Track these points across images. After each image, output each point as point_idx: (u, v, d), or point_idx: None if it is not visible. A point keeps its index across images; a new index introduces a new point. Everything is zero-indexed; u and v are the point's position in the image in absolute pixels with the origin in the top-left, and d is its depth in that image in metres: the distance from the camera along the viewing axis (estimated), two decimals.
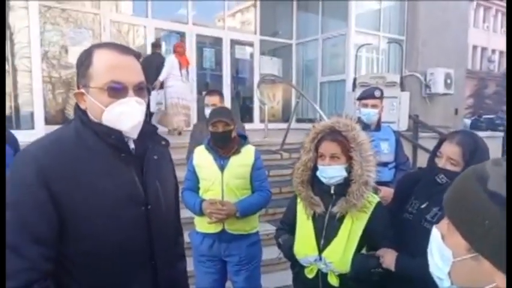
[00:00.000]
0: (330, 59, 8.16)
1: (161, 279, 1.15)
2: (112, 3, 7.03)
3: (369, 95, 2.77)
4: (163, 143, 1.22)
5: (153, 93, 5.95)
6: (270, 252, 3.50)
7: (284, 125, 6.26)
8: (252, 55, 8.58)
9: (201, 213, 2.22)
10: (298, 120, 7.71)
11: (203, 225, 2.28)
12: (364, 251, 1.63)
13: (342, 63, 7.75)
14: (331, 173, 1.59)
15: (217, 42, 8.07)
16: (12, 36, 4.90)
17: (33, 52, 4.82)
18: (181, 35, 7.57)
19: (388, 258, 1.53)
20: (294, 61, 8.89)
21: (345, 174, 1.60)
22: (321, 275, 1.63)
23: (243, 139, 2.41)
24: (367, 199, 1.58)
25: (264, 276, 2.66)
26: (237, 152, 2.31)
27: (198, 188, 2.35)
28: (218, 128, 2.22)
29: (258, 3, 8.40)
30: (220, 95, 3.26)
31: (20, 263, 0.90)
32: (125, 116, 1.03)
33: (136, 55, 1.10)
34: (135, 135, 1.09)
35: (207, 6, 8.03)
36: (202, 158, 2.33)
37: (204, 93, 3.44)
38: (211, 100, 3.11)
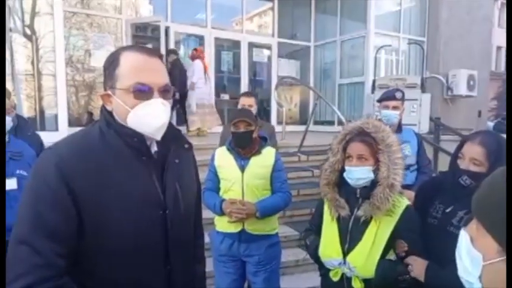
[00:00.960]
0: (349, 61, 8.10)
1: (174, 284, 1.14)
2: (133, 8, 7.19)
3: (389, 96, 2.73)
4: (186, 146, 1.21)
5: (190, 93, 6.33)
6: (288, 255, 3.51)
7: (301, 127, 6.25)
8: (269, 58, 8.60)
9: (221, 212, 2.24)
10: (316, 123, 7.68)
11: (223, 225, 2.30)
12: (392, 256, 1.58)
13: (360, 65, 7.68)
14: (358, 174, 1.56)
15: (235, 45, 8.13)
16: (37, 41, 5.08)
17: (58, 56, 4.98)
18: (200, 38, 7.66)
19: (418, 267, 1.47)
20: (311, 63, 8.87)
21: (372, 176, 1.57)
22: (346, 279, 1.60)
23: (264, 140, 2.42)
24: (393, 203, 1.53)
25: (282, 278, 2.65)
26: (258, 152, 2.32)
27: (219, 189, 2.37)
28: (240, 128, 2.24)
29: (276, 6, 8.42)
30: (255, 96, 3.29)
31: (35, 259, 0.89)
32: (150, 118, 1.03)
33: (161, 57, 1.11)
34: (159, 137, 1.08)
35: (225, 9, 8.11)
36: (223, 159, 2.35)
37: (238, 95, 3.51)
38: (247, 101, 3.15)
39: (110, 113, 1.08)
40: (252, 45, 8.30)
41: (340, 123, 7.15)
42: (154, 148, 1.11)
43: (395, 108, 2.69)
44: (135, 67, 1.03)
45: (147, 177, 1.07)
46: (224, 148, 2.40)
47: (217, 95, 7.85)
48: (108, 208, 0.98)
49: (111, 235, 0.99)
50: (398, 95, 2.71)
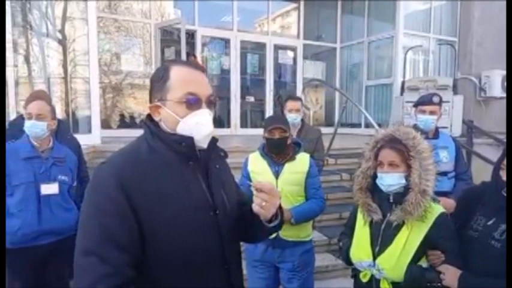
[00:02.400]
0: (376, 62, 7.97)
1: (235, 281, 1.19)
2: (160, 12, 7.32)
3: (426, 101, 2.65)
4: (221, 154, 1.27)
5: None
6: (317, 260, 3.46)
7: (327, 130, 6.17)
8: (294, 59, 8.57)
9: None
10: (342, 125, 7.57)
11: None
12: (424, 264, 1.59)
13: (388, 67, 7.53)
14: (389, 180, 1.60)
15: (260, 47, 8.15)
16: (68, 45, 5.24)
17: (91, 60, 5.10)
18: (226, 41, 7.72)
19: (450, 275, 1.47)
20: (337, 65, 8.78)
21: (403, 182, 1.60)
22: (375, 281, 1.64)
23: (298, 146, 2.41)
24: (425, 208, 1.55)
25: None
26: (292, 158, 2.30)
27: (252, 194, 2.37)
28: (275, 135, 2.24)
29: (302, 7, 8.38)
30: (301, 100, 3.29)
31: (105, 268, 0.93)
32: (200, 126, 1.10)
33: (205, 70, 1.19)
34: (205, 145, 1.14)
35: (250, 12, 8.16)
36: (257, 164, 2.35)
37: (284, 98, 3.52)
38: (294, 106, 3.15)
39: (155, 123, 1.14)
40: (277, 47, 8.29)
41: (368, 125, 7.05)
42: (197, 152, 1.15)
43: (432, 113, 2.61)
44: (185, 79, 1.10)
45: (195, 181, 1.12)
46: (257, 153, 2.40)
47: (242, 97, 7.89)
48: (165, 215, 1.02)
49: (170, 241, 1.03)
50: (435, 99, 2.63)
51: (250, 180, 2.37)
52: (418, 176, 1.55)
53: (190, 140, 1.10)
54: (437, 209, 1.61)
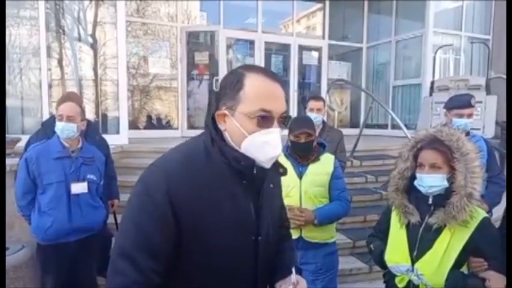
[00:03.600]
0: (404, 62, 7.77)
1: None
2: (186, 15, 7.44)
3: (465, 104, 2.50)
4: (281, 170, 1.16)
5: None
6: (341, 263, 3.39)
7: (352, 131, 6.08)
8: (319, 60, 8.48)
9: None
10: (367, 126, 7.42)
11: None
12: (466, 270, 1.53)
13: (417, 66, 7.33)
14: (430, 182, 1.54)
15: (285, 48, 8.12)
16: (98, 49, 5.42)
17: (120, 63, 5.26)
18: (251, 42, 7.75)
19: (496, 283, 1.40)
20: (363, 65, 8.63)
21: (445, 184, 1.54)
22: (412, 286, 1.59)
23: (322, 147, 2.38)
24: (470, 213, 1.49)
25: None
26: (316, 159, 2.28)
27: None
28: (301, 139, 2.21)
29: (327, 7, 8.29)
30: (323, 100, 3.26)
31: (136, 275, 0.92)
32: (268, 147, 1.01)
33: (283, 83, 1.08)
34: (268, 166, 1.06)
35: (275, 13, 8.14)
36: None
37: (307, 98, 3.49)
38: (316, 105, 3.12)
39: (219, 132, 1.06)
40: (301, 48, 8.23)
41: (394, 127, 6.88)
42: (254, 172, 1.07)
43: (470, 116, 2.49)
44: (261, 93, 1.00)
45: (245, 201, 1.06)
46: (281, 154, 2.38)
47: None
48: (207, 229, 0.98)
49: (207, 256, 1.00)
50: (473, 101, 2.50)
51: None
52: (463, 179, 1.50)
53: (251, 161, 1.03)
54: (481, 214, 1.55)
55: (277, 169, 1.14)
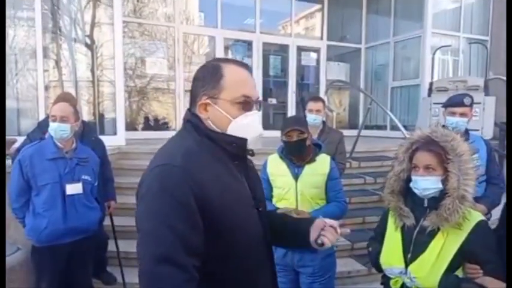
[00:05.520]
0: (403, 63, 7.77)
1: (276, 276, 1.23)
2: (183, 16, 7.42)
3: (457, 102, 2.52)
4: (250, 152, 1.24)
5: None
6: (339, 265, 3.37)
7: (350, 132, 6.05)
8: (318, 61, 8.48)
9: None
10: (366, 127, 7.41)
11: None
12: (460, 274, 1.50)
13: (415, 67, 7.33)
14: (425, 184, 1.52)
15: (283, 49, 8.11)
16: (96, 49, 5.40)
17: (117, 64, 5.24)
18: (249, 43, 7.73)
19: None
20: (362, 66, 8.62)
21: (440, 187, 1.52)
22: None
23: (318, 147, 2.35)
24: (463, 215, 1.46)
25: None
26: (312, 160, 2.26)
27: (272, 196, 2.34)
28: (292, 137, 2.19)
29: (326, 8, 8.28)
30: (323, 101, 3.24)
31: (183, 275, 0.92)
32: (251, 127, 1.12)
33: (251, 71, 1.20)
34: (255, 146, 1.17)
35: (273, 14, 8.13)
36: (276, 166, 2.32)
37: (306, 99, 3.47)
38: (315, 106, 3.10)
39: (200, 120, 1.12)
40: (300, 49, 8.23)
41: (393, 128, 6.87)
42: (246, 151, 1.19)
43: (463, 115, 2.48)
44: (241, 80, 1.12)
45: (241, 179, 1.14)
46: (276, 155, 2.37)
47: (264, 99, 7.87)
48: (229, 212, 1.03)
49: (233, 238, 1.05)
50: (467, 101, 2.49)
51: (269, 182, 2.34)
52: (456, 181, 1.47)
53: (243, 141, 1.12)
54: (476, 216, 1.52)
55: (248, 151, 1.23)
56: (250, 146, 1.16)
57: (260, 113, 1.16)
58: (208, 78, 1.11)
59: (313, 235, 1.20)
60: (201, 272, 0.98)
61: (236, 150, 1.12)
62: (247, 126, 1.11)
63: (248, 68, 1.17)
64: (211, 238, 1.00)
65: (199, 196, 0.97)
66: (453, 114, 2.50)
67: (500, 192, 2.51)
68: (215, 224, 1.00)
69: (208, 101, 1.10)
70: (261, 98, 1.18)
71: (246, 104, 1.10)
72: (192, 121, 1.12)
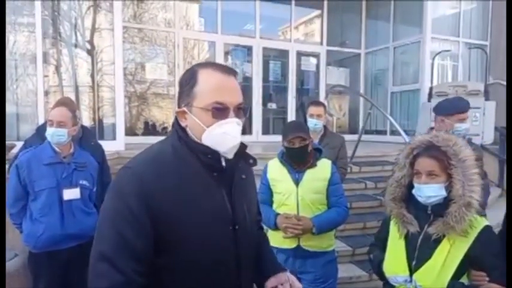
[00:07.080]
0: (402, 68, 7.76)
1: None
2: (184, 21, 7.44)
3: (464, 107, 2.43)
4: (251, 161, 1.20)
5: None
6: (341, 271, 3.34)
7: (351, 137, 6.05)
8: (317, 66, 8.48)
9: (275, 227, 2.17)
10: (366, 132, 7.39)
11: (277, 240, 2.23)
12: (466, 281, 1.47)
13: (415, 72, 7.32)
14: (428, 192, 1.49)
15: (282, 54, 8.12)
16: (96, 55, 5.40)
17: (117, 69, 5.23)
18: (249, 48, 7.74)
19: None
20: (362, 71, 8.62)
21: (444, 193, 1.49)
22: None
23: (319, 152, 2.33)
24: (469, 222, 1.44)
25: None
26: (313, 165, 2.24)
27: (272, 202, 2.32)
28: (295, 144, 2.17)
29: (325, 13, 8.31)
30: (324, 106, 3.22)
31: (117, 277, 0.93)
32: (226, 136, 1.04)
33: (236, 74, 1.12)
34: (231, 156, 1.09)
35: (273, 19, 8.15)
36: (277, 172, 2.30)
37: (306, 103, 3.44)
38: (316, 111, 3.09)
39: (183, 129, 1.10)
40: (300, 54, 8.24)
41: (394, 132, 6.85)
42: (223, 163, 1.11)
43: (465, 120, 2.44)
44: (214, 86, 1.04)
45: (218, 193, 1.08)
46: (277, 160, 2.35)
47: (264, 104, 7.87)
48: (185, 224, 1.00)
49: (188, 251, 1.01)
50: (461, 107, 2.42)
51: (270, 188, 2.32)
52: (461, 187, 1.45)
53: (216, 152, 1.06)
54: (481, 222, 1.49)
55: (248, 160, 1.17)
56: (227, 156, 1.08)
57: (239, 121, 1.07)
58: (184, 84, 1.08)
59: (271, 283, 1.19)
60: (151, 278, 0.98)
61: (212, 161, 1.06)
62: (222, 136, 1.04)
63: (229, 71, 1.08)
64: (161, 247, 0.99)
65: (151, 205, 0.96)
66: (462, 120, 2.39)
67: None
68: (166, 234, 0.98)
69: (184, 109, 1.07)
70: (242, 104, 1.08)
71: (219, 111, 1.03)
72: (176, 128, 1.11)
